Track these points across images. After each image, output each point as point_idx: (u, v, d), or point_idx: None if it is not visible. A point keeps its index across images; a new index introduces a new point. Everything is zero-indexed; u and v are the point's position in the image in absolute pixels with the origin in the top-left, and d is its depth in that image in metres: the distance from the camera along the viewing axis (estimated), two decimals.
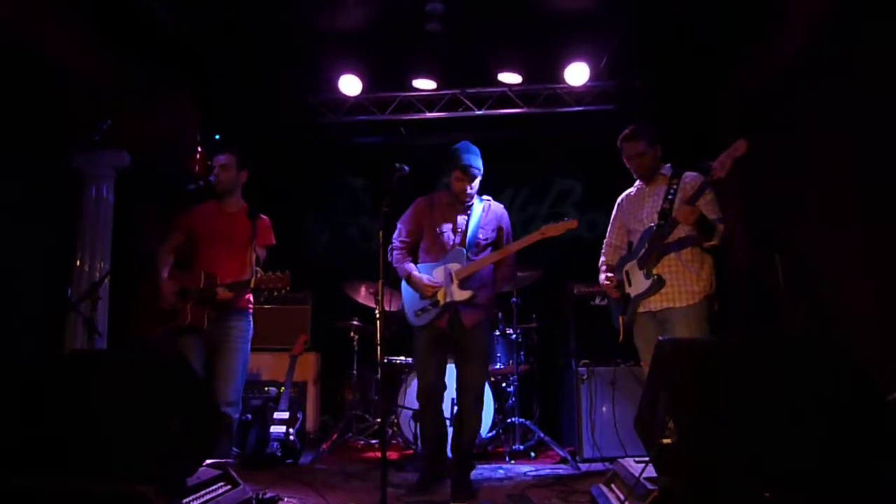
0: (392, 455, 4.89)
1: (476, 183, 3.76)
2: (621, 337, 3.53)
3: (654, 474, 2.30)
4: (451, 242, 3.76)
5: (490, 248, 3.76)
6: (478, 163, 3.74)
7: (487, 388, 4.70)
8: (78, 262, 4.70)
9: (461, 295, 3.60)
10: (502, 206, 3.93)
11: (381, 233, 3.13)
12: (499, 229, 3.82)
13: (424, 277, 3.70)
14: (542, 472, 4.25)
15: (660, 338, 2.37)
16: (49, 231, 4.51)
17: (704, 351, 2.25)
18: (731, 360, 2.18)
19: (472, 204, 3.81)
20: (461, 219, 3.79)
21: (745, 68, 5.03)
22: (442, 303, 3.63)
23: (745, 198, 4.81)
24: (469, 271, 3.62)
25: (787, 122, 4.35)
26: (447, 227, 3.80)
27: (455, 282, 3.62)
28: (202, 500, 2.51)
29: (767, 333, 4.26)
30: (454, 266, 3.66)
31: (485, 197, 3.89)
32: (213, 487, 2.68)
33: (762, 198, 4.63)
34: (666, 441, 2.16)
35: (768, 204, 4.60)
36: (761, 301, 4.62)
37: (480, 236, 3.74)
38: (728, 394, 2.11)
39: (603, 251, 3.79)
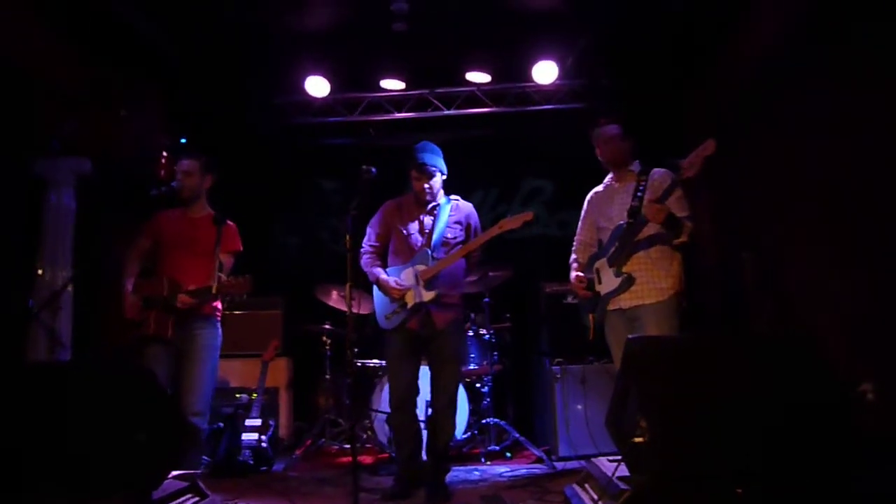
0: (366, 459, 4.86)
1: (436, 181, 3.73)
2: (591, 335, 3.54)
3: (627, 473, 2.30)
4: (418, 244, 3.73)
5: (459, 247, 3.72)
6: (435, 161, 3.71)
7: (462, 389, 4.69)
8: (39, 271, 4.57)
9: (428, 296, 3.57)
10: (470, 204, 3.90)
11: (347, 236, 3.09)
12: (467, 227, 3.79)
13: (391, 280, 3.66)
14: (517, 473, 4.24)
15: (629, 336, 2.37)
16: (9, 239, 4.38)
17: (674, 348, 2.26)
18: (702, 357, 2.18)
19: (439, 204, 3.79)
20: (427, 219, 3.77)
21: (716, 67, 5.06)
22: (410, 305, 3.60)
23: (715, 196, 4.85)
24: (434, 271, 3.59)
25: (758, 121, 4.39)
26: (414, 228, 3.77)
27: (421, 283, 3.59)
28: None
29: (736, 331, 4.29)
30: (420, 267, 3.63)
31: (453, 196, 3.86)
32: (180, 500, 2.63)
33: (732, 196, 4.67)
34: (638, 440, 2.16)
35: (738, 202, 4.63)
36: (730, 299, 4.66)
37: (448, 235, 3.72)
38: (698, 391, 2.11)
39: (573, 249, 3.79)
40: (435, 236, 3.69)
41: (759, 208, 4.31)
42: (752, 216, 4.40)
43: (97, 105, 4.93)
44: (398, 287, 3.62)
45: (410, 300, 3.61)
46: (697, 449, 2.05)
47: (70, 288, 4.51)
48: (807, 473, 2.03)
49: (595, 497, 2.42)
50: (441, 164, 3.75)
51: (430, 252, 3.64)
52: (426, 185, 3.70)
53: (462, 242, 3.74)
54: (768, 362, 2.11)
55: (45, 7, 4.23)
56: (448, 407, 3.67)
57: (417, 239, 3.73)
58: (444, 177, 3.79)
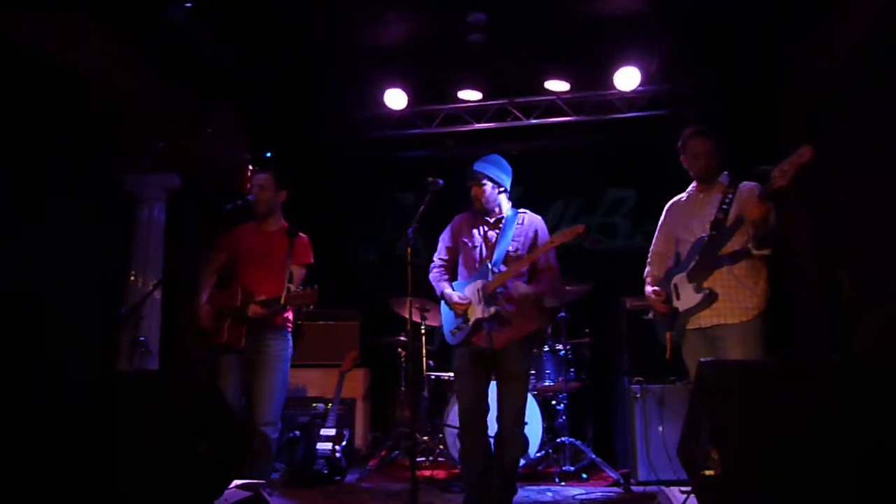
0: (439, 474, 4.79)
1: (486, 189, 3.62)
2: (668, 354, 3.33)
3: None
4: (481, 258, 3.64)
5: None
6: (486, 168, 3.63)
7: (536, 407, 4.57)
8: (132, 281, 4.82)
9: (486, 312, 3.46)
10: (539, 218, 3.76)
11: (409, 248, 3.05)
12: (534, 240, 3.66)
13: (455, 295, 3.60)
14: (592, 496, 4.06)
15: (701, 359, 2.19)
16: (104, 252, 4.64)
17: (751, 374, 2.06)
18: (781, 384, 1.98)
19: (504, 217, 3.69)
20: (493, 233, 3.68)
21: (807, 69, 4.70)
22: (471, 320, 3.52)
23: (810, 204, 4.47)
24: (492, 287, 3.47)
25: (855, 124, 4.01)
26: (479, 241, 3.69)
27: (483, 298, 3.50)
28: None
29: (823, 356, 3.92)
30: (481, 282, 3.54)
31: (521, 210, 3.75)
32: None
33: (829, 206, 4.28)
34: (709, 473, 1.99)
35: (835, 213, 4.24)
36: (827, 320, 4.28)
37: (510, 249, 3.59)
38: (777, 422, 1.91)
39: (648, 261, 3.60)
40: (497, 251, 3.58)
41: (860, 220, 3.93)
42: (851, 229, 4.02)
43: (185, 124, 5.17)
44: (461, 302, 3.56)
45: (472, 315, 3.53)
46: (775, 487, 1.86)
47: (159, 297, 4.72)
48: None
49: None
50: (496, 173, 3.65)
51: (490, 266, 3.54)
52: (477, 194, 3.63)
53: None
54: (860, 391, 1.88)
55: (129, 31, 4.46)
56: (513, 425, 3.53)
57: (483, 253, 3.65)
58: (502, 188, 3.68)
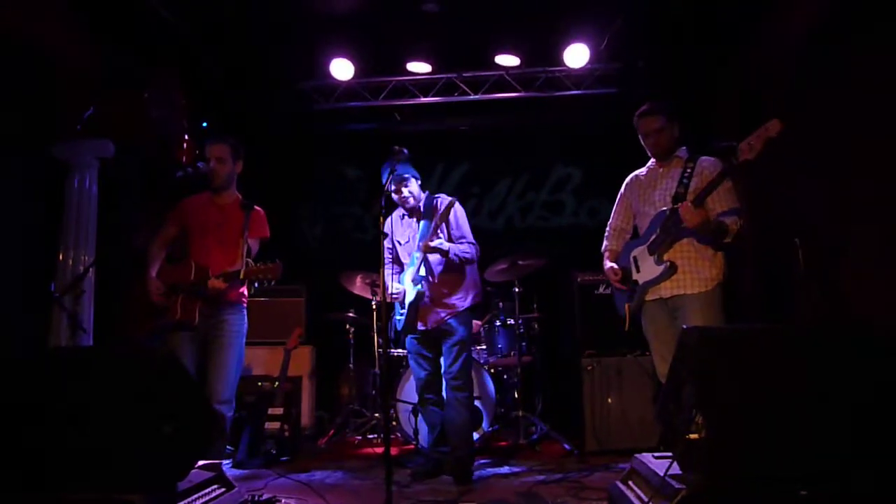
0: (392, 450, 4.73)
1: (412, 187, 3.84)
2: (627, 325, 3.38)
3: (679, 471, 2.16)
4: (410, 249, 3.89)
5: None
6: (407, 169, 3.81)
7: (488, 380, 4.59)
8: (61, 256, 4.49)
9: (410, 296, 3.74)
10: (446, 198, 3.86)
11: (381, 219, 2.97)
12: (442, 222, 3.79)
13: (389, 293, 3.84)
14: (548, 467, 4.11)
15: (684, 326, 2.22)
16: (32, 223, 4.31)
17: (735, 340, 2.10)
18: (767, 350, 2.03)
19: (422, 207, 3.88)
20: (415, 224, 3.92)
21: (757, 46, 4.77)
22: (406, 305, 3.79)
23: (754, 177, 4.59)
24: (411, 273, 3.74)
25: (800, 99, 4.14)
26: (406, 235, 3.94)
27: (408, 285, 3.78)
28: None
29: (802, 323, 4.07)
30: (410, 270, 3.82)
31: (438, 195, 3.93)
32: (206, 491, 2.53)
33: (774, 177, 4.39)
34: (693, 436, 2.02)
35: (781, 184, 4.37)
36: (772, 287, 4.46)
37: (428, 234, 3.83)
38: (761, 386, 1.97)
39: (606, 235, 3.63)
40: (417, 240, 3.82)
41: (808, 191, 4.07)
42: (799, 199, 4.17)
43: (119, 88, 4.84)
44: (396, 293, 3.82)
45: (407, 301, 3.79)
46: (759, 448, 1.91)
47: (92, 272, 4.42)
48: (877, 474, 1.89)
49: (645, 497, 2.27)
50: (412, 169, 3.86)
51: (410, 255, 3.85)
52: (404, 194, 3.84)
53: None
54: (839, 357, 1.96)
55: None
56: (452, 392, 3.76)
57: (409, 244, 3.92)
58: (419, 180, 3.92)
